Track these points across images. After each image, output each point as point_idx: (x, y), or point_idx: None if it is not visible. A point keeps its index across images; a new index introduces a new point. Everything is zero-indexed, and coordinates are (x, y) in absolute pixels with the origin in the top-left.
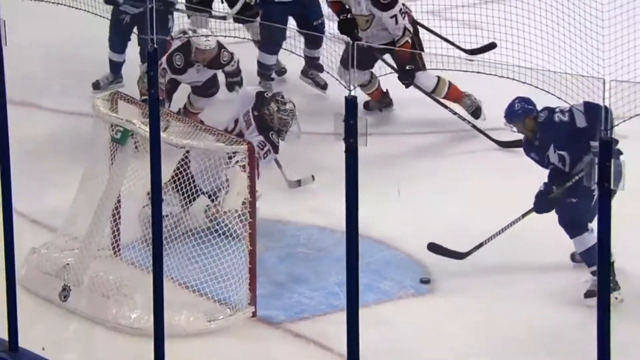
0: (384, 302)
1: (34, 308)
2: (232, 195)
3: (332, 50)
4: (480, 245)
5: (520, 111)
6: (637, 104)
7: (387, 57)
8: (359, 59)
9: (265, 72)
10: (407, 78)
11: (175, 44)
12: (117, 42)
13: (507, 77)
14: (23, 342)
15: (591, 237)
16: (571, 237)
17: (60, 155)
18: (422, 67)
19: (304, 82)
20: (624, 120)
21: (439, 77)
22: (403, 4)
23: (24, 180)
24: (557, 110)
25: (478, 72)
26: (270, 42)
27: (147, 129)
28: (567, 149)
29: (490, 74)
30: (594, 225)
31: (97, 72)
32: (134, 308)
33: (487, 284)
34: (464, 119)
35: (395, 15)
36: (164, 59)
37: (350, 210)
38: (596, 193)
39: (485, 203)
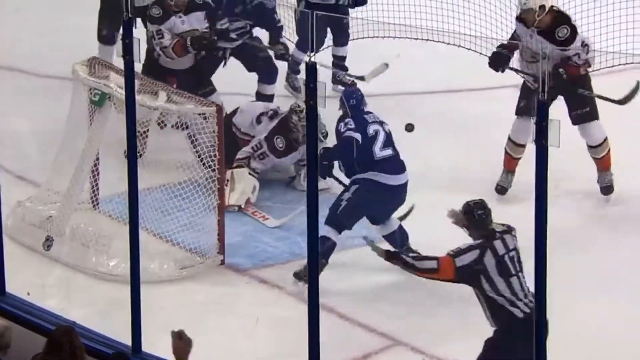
0: (340, 250)
1: (19, 256)
2: (237, 193)
3: None
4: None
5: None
6: None
7: None
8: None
9: (295, 66)
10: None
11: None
12: None
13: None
14: (10, 287)
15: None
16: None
17: (43, 116)
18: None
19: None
20: None
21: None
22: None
23: (10, 139)
24: (346, 120)
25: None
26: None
27: (123, 92)
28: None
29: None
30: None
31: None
32: (112, 256)
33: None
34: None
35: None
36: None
37: (311, 167)
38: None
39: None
